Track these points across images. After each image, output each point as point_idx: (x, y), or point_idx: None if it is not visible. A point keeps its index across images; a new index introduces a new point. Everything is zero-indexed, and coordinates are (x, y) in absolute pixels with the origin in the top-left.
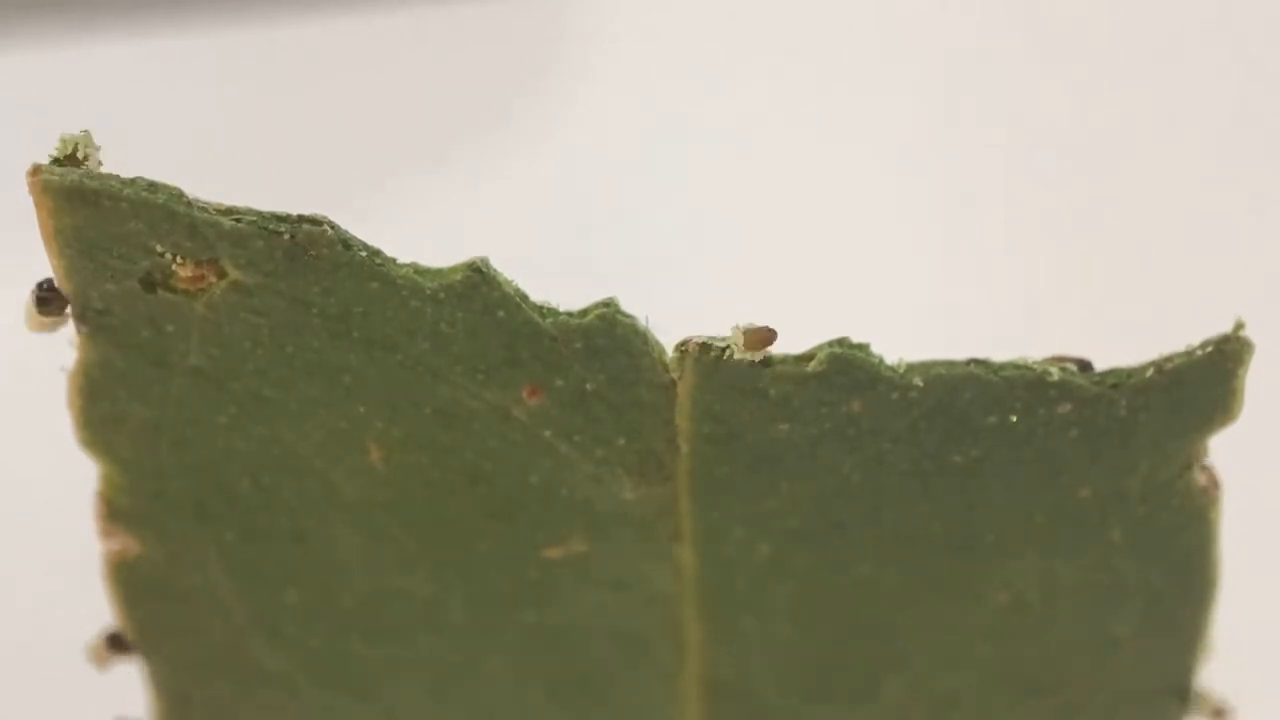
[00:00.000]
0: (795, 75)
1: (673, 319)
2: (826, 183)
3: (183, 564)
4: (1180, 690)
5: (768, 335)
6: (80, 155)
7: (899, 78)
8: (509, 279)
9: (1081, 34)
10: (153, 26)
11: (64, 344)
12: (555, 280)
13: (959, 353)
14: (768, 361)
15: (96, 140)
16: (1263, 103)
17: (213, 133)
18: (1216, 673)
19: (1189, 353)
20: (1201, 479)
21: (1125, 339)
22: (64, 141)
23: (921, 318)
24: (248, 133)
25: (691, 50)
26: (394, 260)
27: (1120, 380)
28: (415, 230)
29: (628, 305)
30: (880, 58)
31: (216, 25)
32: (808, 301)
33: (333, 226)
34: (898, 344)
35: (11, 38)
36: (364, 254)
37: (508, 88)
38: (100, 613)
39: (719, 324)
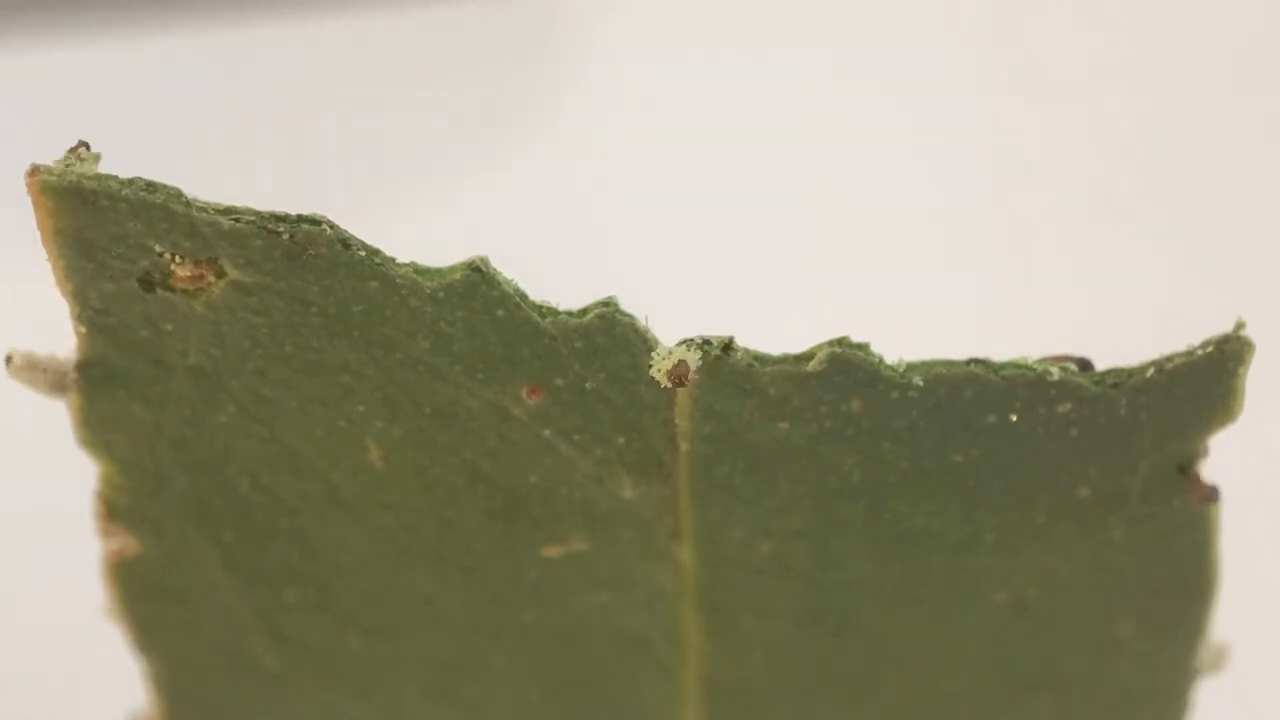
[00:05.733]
0: (795, 72)
1: (673, 318)
2: (825, 180)
3: (182, 563)
4: (1180, 690)
5: (683, 371)
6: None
7: (899, 74)
8: (508, 278)
9: (1085, 31)
10: (152, 26)
11: (63, 345)
12: (555, 279)
13: (959, 352)
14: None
15: (96, 141)
16: (1264, 102)
17: (213, 133)
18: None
19: (1189, 352)
20: (1202, 479)
21: (1126, 338)
22: (67, 156)
23: (921, 317)
24: (247, 133)
25: (690, 49)
26: (393, 260)
27: (1121, 380)
28: (415, 230)
29: (627, 304)
30: (879, 54)
31: (215, 25)
32: (807, 300)
33: (331, 226)
34: (897, 343)
35: (12, 38)
36: (363, 253)
37: (505, 88)
38: (99, 612)
39: (719, 323)
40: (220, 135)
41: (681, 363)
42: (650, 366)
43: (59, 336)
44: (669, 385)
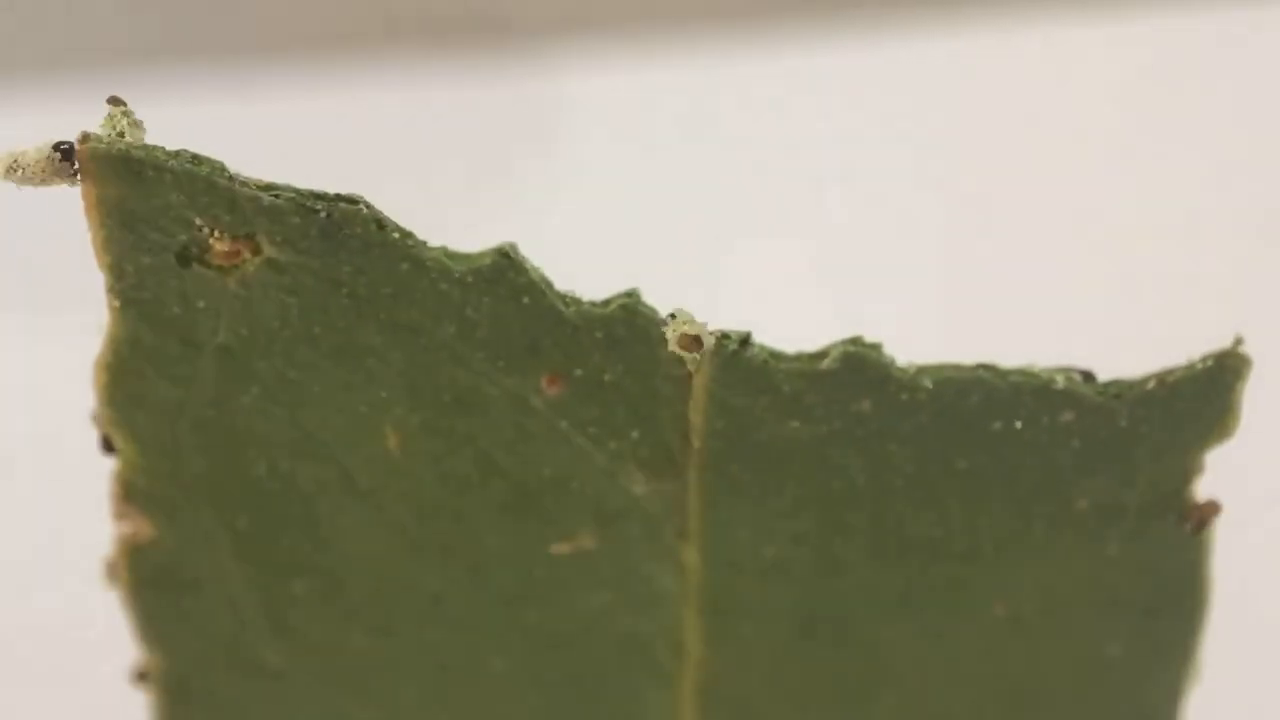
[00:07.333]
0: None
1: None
2: (841, 188)
3: (193, 550)
4: (1168, 713)
5: (695, 341)
6: (119, 130)
7: (913, 75)
8: (535, 265)
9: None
10: (165, 95)
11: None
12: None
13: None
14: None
15: None
16: (1265, 120)
17: None
18: (1204, 696)
19: (1190, 366)
20: (1197, 496)
21: (1127, 352)
22: (109, 117)
23: (928, 324)
24: None
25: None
26: (425, 243)
27: (1122, 391)
28: None
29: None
30: (891, 58)
31: (217, 99)
32: (822, 304)
33: (368, 206)
34: (907, 351)
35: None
36: (396, 235)
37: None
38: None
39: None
40: None
41: (692, 336)
42: (666, 344)
43: (89, 336)
44: (679, 351)
